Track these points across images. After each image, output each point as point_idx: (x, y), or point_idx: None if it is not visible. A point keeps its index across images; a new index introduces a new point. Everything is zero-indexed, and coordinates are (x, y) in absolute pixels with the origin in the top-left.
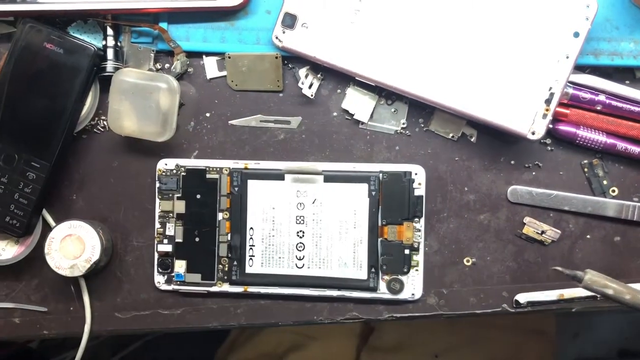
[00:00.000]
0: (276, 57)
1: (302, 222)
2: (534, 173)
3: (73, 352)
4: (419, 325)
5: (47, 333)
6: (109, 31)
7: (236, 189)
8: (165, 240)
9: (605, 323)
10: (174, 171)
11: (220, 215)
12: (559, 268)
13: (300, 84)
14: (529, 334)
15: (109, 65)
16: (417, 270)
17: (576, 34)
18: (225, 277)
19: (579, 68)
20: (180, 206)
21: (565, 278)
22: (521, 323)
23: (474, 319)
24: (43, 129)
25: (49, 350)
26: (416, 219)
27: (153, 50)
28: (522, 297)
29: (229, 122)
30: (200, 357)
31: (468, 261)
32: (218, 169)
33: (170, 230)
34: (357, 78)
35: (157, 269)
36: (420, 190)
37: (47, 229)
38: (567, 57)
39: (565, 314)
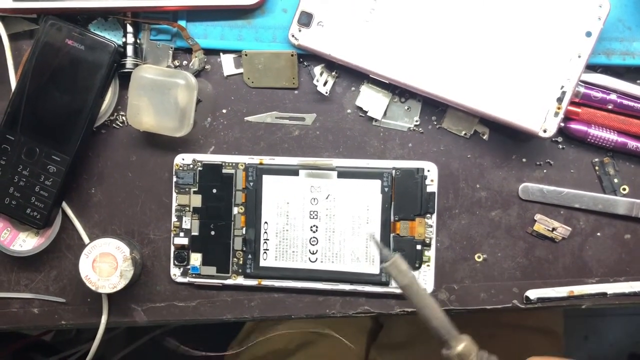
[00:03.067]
0: (292, 55)
1: (315, 217)
2: (545, 171)
3: (87, 345)
4: None
5: (65, 323)
6: (129, 28)
7: (251, 183)
8: (182, 234)
9: (615, 326)
10: (191, 166)
11: (235, 210)
12: (374, 237)
13: (315, 82)
14: (537, 333)
15: (129, 62)
16: (428, 265)
17: (588, 34)
18: (240, 270)
19: (591, 67)
20: (196, 200)
21: (573, 274)
22: (529, 322)
23: (481, 317)
24: (64, 124)
25: (63, 344)
26: (428, 215)
27: (171, 48)
28: (533, 294)
29: (245, 118)
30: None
31: (479, 257)
32: (234, 164)
33: (186, 223)
34: (371, 76)
35: (173, 262)
36: (432, 186)
37: (67, 222)
38: (579, 56)
39: (574, 316)
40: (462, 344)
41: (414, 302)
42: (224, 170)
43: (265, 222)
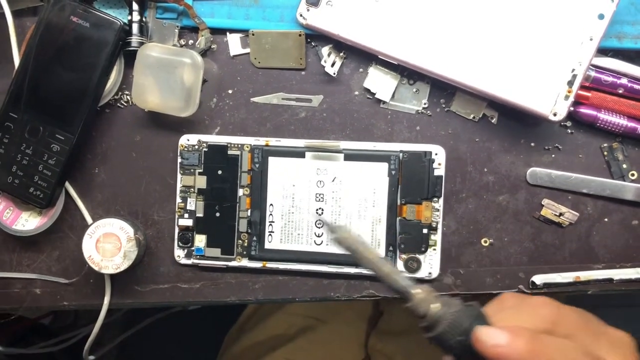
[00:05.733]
0: (299, 35)
1: (321, 199)
2: (553, 155)
3: (85, 329)
4: None
5: (67, 304)
6: (135, 6)
7: (257, 165)
8: (186, 215)
9: (618, 319)
10: (196, 147)
11: (240, 191)
12: (322, 218)
13: (322, 62)
14: None
15: (134, 40)
16: (434, 249)
17: (601, 16)
18: (245, 252)
19: (602, 51)
20: (201, 181)
21: (579, 260)
22: None
23: (483, 302)
24: (68, 102)
25: (62, 328)
26: (435, 199)
27: (177, 26)
28: (539, 279)
29: (251, 99)
30: (210, 338)
31: (485, 242)
32: (239, 146)
33: (191, 205)
34: (380, 57)
35: (178, 243)
36: (439, 170)
37: (70, 202)
38: (591, 39)
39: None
40: (420, 292)
41: (368, 266)
42: (229, 152)
43: (271, 204)
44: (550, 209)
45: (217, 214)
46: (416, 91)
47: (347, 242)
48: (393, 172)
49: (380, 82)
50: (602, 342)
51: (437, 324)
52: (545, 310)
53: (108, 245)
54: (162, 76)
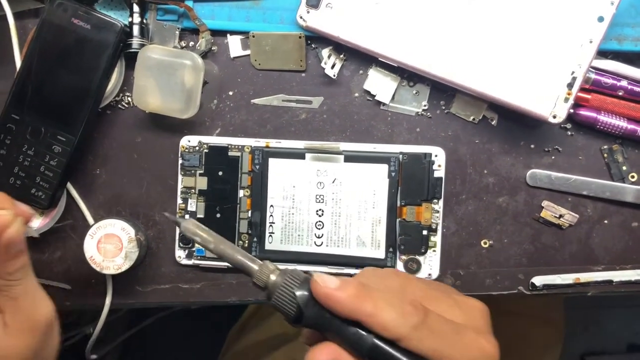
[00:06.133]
0: (300, 37)
1: (321, 200)
2: (553, 157)
3: (86, 328)
4: None
5: (69, 304)
6: (135, 8)
7: (257, 166)
8: (187, 216)
9: (615, 317)
10: (197, 148)
11: (241, 192)
12: (166, 214)
13: (323, 64)
14: (537, 322)
15: (135, 42)
16: (434, 251)
17: (600, 19)
18: None
19: (602, 53)
20: (202, 182)
21: (579, 262)
22: (530, 311)
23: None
24: (69, 104)
25: (63, 326)
26: (435, 200)
27: (178, 28)
28: (538, 280)
29: (252, 101)
30: (212, 337)
31: (485, 243)
32: (240, 147)
33: (192, 205)
34: (380, 59)
35: (179, 244)
36: (439, 172)
37: (71, 203)
38: (591, 42)
39: (574, 307)
40: (257, 268)
41: (212, 250)
42: (230, 153)
43: (271, 206)
44: (550, 210)
45: (218, 215)
46: (416, 93)
47: (191, 231)
48: (393, 174)
49: (380, 84)
50: (447, 303)
51: (274, 290)
52: (393, 278)
53: (109, 246)
54: (163, 78)
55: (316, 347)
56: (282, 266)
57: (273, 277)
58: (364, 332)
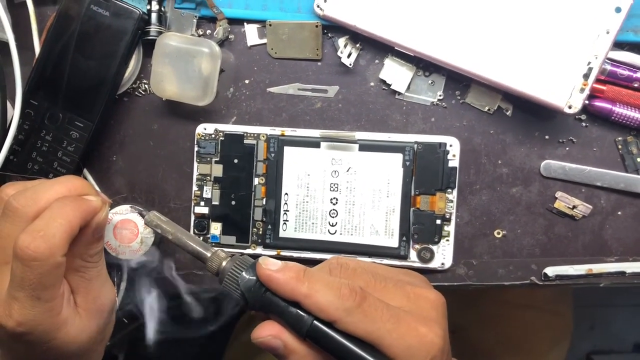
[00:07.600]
0: (316, 26)
1: (336, 189)
2: (567, 148)
3: None
4: None
5: None
6: None
7: (272, 155)
8: (202, 203)
9: (622, 316)
10: (213, 136)
11: (256, 180)
12: (133, 205)
13: (339, 53)
14: (546, 315)
15: (153, 30)
16: (447, 240)
17: (618, 9)
18: (259, 241)
19: (618, 45)
20: (217, 170)
21: (592, 253)
22: (538, 303)
23: (491, 296)
24: (87, 90)
25: None
26: (449, 190)
27: (196, 16)
28: (551, 271)
29: (267, 89)
30: (221, 326)
31: (498, 233)
32: (255, 135)
33: (207, 193)
34: (396, 48)
35: (193, 230)
36: (454, 161)
37: None
38: (608, 32)
39: (581, 306)
40: (209, 255)
41: (171, 239)
42: (245, 141)
43: (286, 194)
44: (564, 201)
45: (233, 202)
46: (432, 83)
47: (153, 223)
48: (407, 163)
49: (395, 74)
50: (394, 292)
51: (223, 275)
52: (349, 264)
53: (125, 231)
54: (180, 65)
55: (259, 325)
56: (296, 254)
57: (224, 264)
58: (304, 314)
